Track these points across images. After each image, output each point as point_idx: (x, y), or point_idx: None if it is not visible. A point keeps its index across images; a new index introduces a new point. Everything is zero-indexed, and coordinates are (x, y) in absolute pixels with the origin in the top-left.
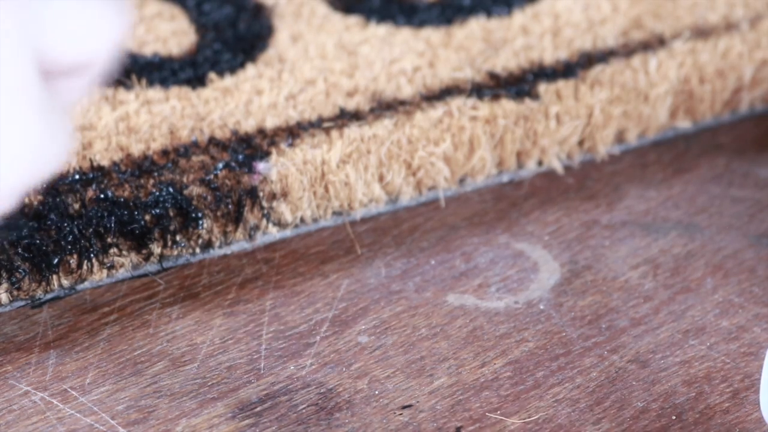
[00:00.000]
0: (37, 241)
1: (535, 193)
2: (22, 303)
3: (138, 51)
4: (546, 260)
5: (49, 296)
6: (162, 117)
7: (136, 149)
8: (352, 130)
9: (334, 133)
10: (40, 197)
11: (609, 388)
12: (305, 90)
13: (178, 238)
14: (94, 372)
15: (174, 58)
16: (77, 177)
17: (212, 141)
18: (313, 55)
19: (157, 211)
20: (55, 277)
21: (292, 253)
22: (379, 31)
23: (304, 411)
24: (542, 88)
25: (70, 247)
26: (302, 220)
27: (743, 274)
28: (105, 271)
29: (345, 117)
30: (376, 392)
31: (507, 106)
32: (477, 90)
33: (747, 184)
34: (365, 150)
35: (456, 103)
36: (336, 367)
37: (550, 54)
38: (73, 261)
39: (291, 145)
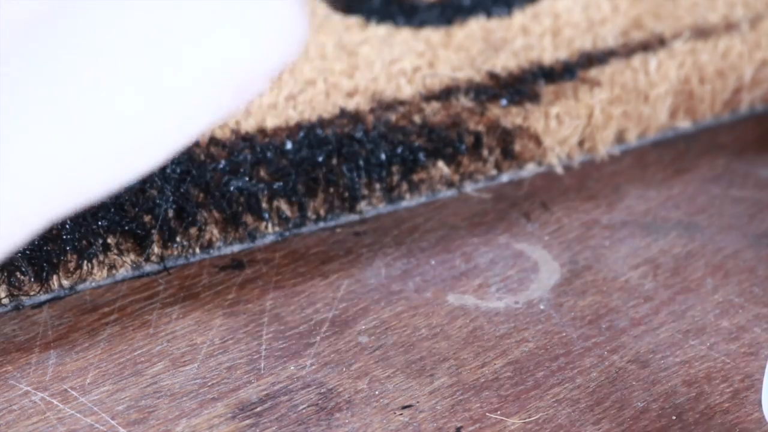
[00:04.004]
0: (37, 242)
1: (535, 193)
2: (23, 303)
3: None
4: (546, 260)
5: (49, 296)
6: None
7: None
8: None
9: None
10: None
11: (609, 388)
12: (305, 90)
13: (178, 238)
14: (94, 372)
15: None
16: None
17: (212, 141)
18: (312, 56)
19: (157, 211)
20: (55, 277)
21: (292, 253)
22: (379, 31)
23: (304, 411)
24: (542, 88)
25: (69, 247)
26: (303, 219)
27: (743, 274)
28: (105, 271)
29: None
30: (376, 392)
31: (507, 106)
32: (477, 90)
33: (747, 184)
34: None
35: (457, 103)
36: (336, 367)
37: (550, 54)
38: (72, 261)
39: None
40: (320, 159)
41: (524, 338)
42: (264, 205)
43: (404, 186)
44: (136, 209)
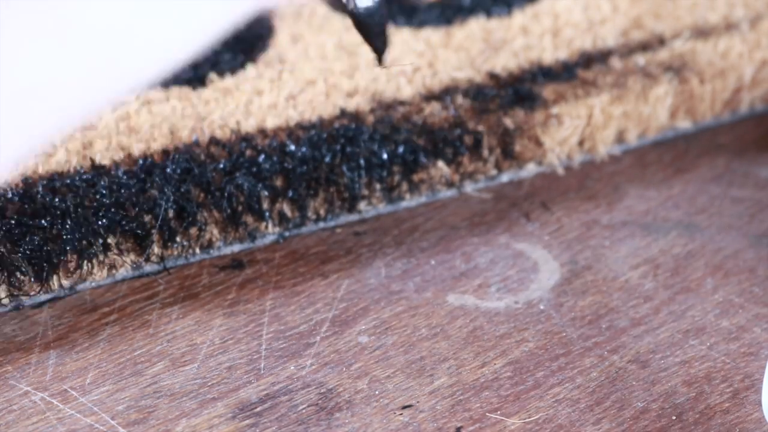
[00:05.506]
0: (38, 242)
1: (535, 193)
2: (23, 303)
3: None
4: (546, 260)
5: (49, 296)
6: (162, 117)
7: (137, 149)
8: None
9: None
10: (40, 197)
11: (609, 388)
12: (305, 90)
13: (178, 238)
14: (94, 372)
15: None
16: (78, 176)
17: (212, 141)
18: (313, 56)
19: (157, 211)
20: (55, 277)
21: (292, 253)
22: None
23: (304, 411)
24: (542, 88)
25: (69, 247)
26: (303, 220)
27: (743, 274)
28: (105, 271)
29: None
30: (376, 392)
31: (507, 106)
32: (477, 90)
33: (747, 184)
34: None
35: (456, 103)
36: (336, 367)
37: (550, 54)
38: (72, 261)
39: None
40: (321, 159)
41: (524, 338)
42: (265, 205)
43: (404, 186)
44: (137, 209)
